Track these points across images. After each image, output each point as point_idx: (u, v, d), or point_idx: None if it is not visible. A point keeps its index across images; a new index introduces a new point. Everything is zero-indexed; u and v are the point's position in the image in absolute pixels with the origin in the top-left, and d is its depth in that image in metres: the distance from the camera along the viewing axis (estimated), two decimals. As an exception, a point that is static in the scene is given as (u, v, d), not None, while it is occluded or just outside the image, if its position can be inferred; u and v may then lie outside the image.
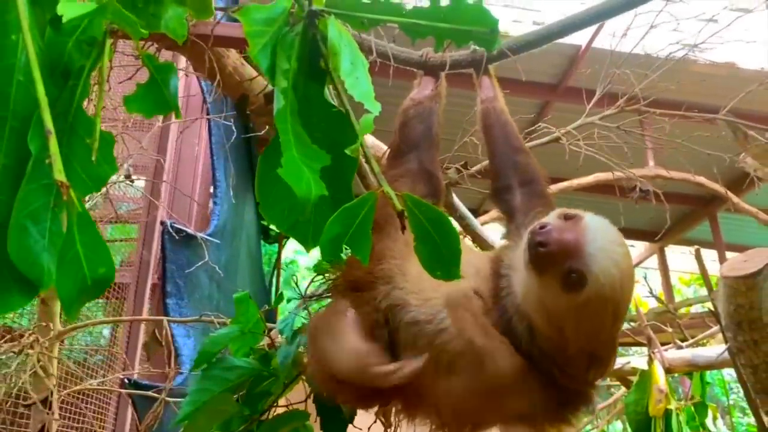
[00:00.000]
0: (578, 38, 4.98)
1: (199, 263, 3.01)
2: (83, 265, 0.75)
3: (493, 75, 1.58)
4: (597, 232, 1.15)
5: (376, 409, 1.35)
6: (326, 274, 1.45)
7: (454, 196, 2.88)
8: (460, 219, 2.91)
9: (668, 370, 3.33)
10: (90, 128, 0.89)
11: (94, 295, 0.77)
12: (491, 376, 1.13)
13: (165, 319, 2.19)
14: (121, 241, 4.68)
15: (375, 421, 1.41)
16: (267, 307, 1.43)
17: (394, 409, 1.30)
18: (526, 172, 1.48)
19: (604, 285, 1.10)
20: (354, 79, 0.98)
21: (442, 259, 0.94)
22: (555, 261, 1.11)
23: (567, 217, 1.17)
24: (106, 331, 4.34)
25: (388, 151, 1.54)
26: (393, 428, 1.42)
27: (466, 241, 1.60)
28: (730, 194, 4.99)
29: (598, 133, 2.51)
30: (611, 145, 2.77)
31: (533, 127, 2.77)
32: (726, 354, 2.96)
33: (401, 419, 1.30)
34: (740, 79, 4.63)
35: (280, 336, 1.33)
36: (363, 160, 1.53)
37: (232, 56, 1.73)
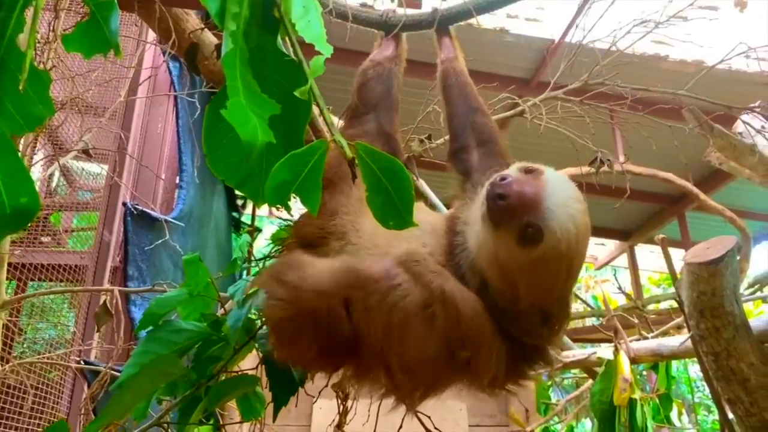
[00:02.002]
0: (551, 33, 5.00)
1: (159, 242, 2.94)
2: (1, 192, 0.70)
3: (454, 36, 1.56)
4: (557, 188, 1.13)
5: (329, 378, 1.31)
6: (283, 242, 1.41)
7: (424, 184, 2.86)
8: (432, 208, 2.88)
9: (634, 360, 3.35)
10: (22, 63, 0.84)
11: (15, 226, 0.72)
12: (456, 324, 1.09)
13: (116, 288, 2.13)
14: (86, 230, 4.57)
15: (326, 386, 1.37)
16: (220, 274, 1.39)
17: (347, 378, 1.26)
18: (484, 131, 1.46)
19: (561, 241, 1.09)
20: (306, 22, 0.94)
21: (395, 209, 0.91)
22: (513, 214, 1.10)
23: (527, 171, 1.16)
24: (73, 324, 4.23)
25: (346, 111, 1.51)
26: (349, 399, 1.39)
27: (422, 204, 1.57)
28: (697, 191, 5.06)
29: (561, 108, 2.51)
30: (580, 135, 2.78)
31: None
32: (689, 342, 2.99)
33: (355, 389, 1.26)
34: (708, 77, 4.69)
35: (232, 301, 1.29)
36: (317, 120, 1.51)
37: (192, 22, 1.68)
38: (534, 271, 1.11)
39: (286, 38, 1.04)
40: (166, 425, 1.17)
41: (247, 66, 0.97)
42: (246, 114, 0.88)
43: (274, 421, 1.32)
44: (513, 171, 1.18)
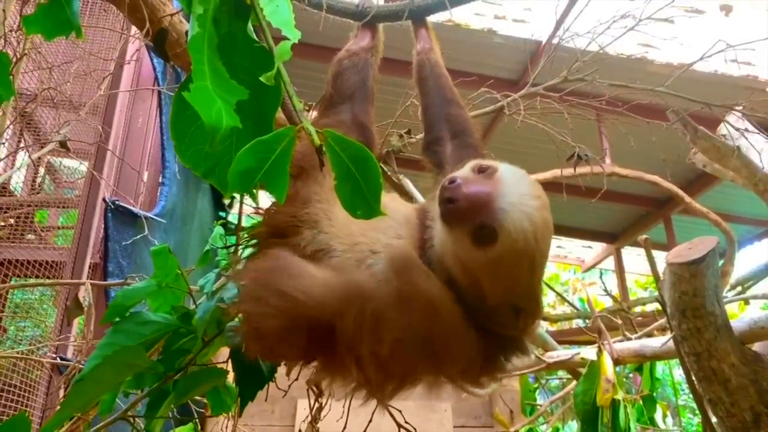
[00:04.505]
0: (539, 34, 5.01)
1: (140, 238, 2.91)
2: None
3: (430, 27, 1.54)
4: (510, 185, 1.11)
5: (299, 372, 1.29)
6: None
7: (409, 183, 2.84)
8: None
9: (617, 361, 3.35)
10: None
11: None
12: (434, 322, 1.08)
13: (89, 282, 2.10)
14: (70, 228, 4.52)
15: (296, 379, 1.35)
16: (193, 267, 1.37)
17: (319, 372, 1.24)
18: (458, 123, 1.45)
19: (517, 240, 1.07)
20: (274, 6, 0.93)
21: (363, 197, 0.89)
22: (464, 217, 1.09)
23: (480, 170, 1.14)
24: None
25: (320, 101, 1.49)
26: (324, 395, 1.37)
27: (395, 195, 1.56)
28: (682, 194, 5.09)
29: (543, 107, 2.52)
30: (561, 134, 2.78)
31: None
32: (671, 343, 2.99)
33: (328, 382, 1.24)
34: (692, 80, 4.72)
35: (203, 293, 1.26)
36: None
37: (169, 11, 1.65)
38: (494, 270, 1.09)
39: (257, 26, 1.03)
40: (132, 418, 1.15)
41: (215, 51, 0.95)
42: (210, 97, 0.86)
43: (239, 415, 1.30)
44: (465, 171, 1.16)
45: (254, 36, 1.03)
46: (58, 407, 1.04)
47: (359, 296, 1.08)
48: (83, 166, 3.54)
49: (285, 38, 0.93)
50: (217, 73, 0.93)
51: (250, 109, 0.99)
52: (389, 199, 0.93)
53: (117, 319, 1.19)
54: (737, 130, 3.06)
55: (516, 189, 1.12)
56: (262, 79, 0.89)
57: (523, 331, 1.17)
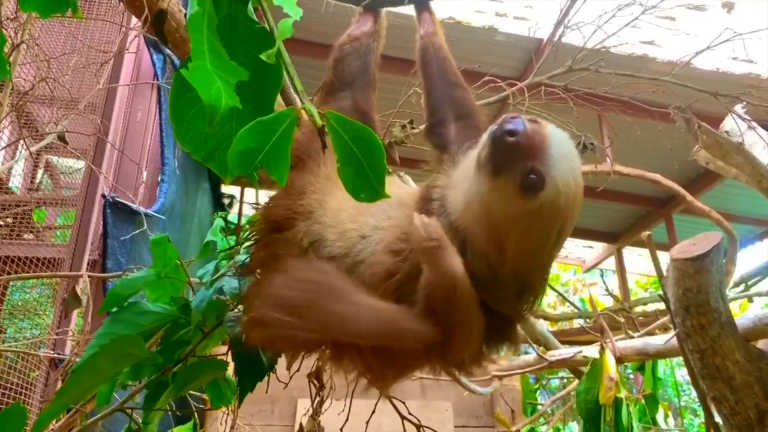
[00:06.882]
0: (540, 31, 4.98)
1: (139, 235, 2.87)
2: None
3: (434, 11, 1.52)
4: (560, 140, 1.10)
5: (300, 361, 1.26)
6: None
7: (410, 180, 2.82)
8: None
9: (620, 360, 3.32)
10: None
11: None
12: (451, 307, 1.04)
13: (86, 273, 2.07)
14: (69, 227, 4.49)
15: (298, 369, 1.32)
16: (192, 259, 1.34)
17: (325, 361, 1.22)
18: (463, 106, 1.42)
19: (560, 193, 1.05)
20: (275, -16, 0.90)
21: (366, 180, 0.87)
22: (520, 154, 1.05)
23: (531, 120, 1.12)
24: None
25: (320, 88, 1.47)
26: (324, 389, 1.34)
27: (394, 178, 1.54)
28: (684, 192, 5.06)
29: (548, 98, 2.50)
30: (566, 125, 2.76)
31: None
32: (674, 341, 2.97)
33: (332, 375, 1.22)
34: (696, 79, 4.70)
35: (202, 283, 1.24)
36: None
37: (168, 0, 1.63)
38: (528, 224, 1.06)
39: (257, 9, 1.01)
40: (130, 410, 1.12)
41: (215, 31, 0.93)
42: (209, 76, 0.84)
43: (239, 406, 1.27)
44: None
45: (254, 17, 1.01)
46: (54, 397, 1.01)
47: (400, 338, 1.05)
48: (82, 164, 3.51)
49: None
50: (216, 53, 0.91)
51: (250, 92, 0.97)
52: (387, 182, 0.91)
53: (115, 308, 1.17)
54: (744, 120, 3.04)
55: (565, 145, 1.11)
56: (263, 57, 0.87)
57: (520, 314, 1.14)
